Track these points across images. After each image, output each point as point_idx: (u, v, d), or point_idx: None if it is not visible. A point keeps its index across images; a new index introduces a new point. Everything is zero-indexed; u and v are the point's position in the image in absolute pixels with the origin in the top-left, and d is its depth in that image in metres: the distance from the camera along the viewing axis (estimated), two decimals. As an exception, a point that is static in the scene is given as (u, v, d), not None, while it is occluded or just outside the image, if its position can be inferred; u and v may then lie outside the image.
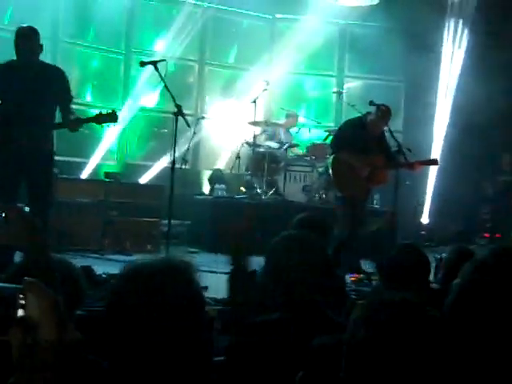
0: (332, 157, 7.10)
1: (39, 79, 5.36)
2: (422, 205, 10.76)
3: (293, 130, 10.24)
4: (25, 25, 5.47)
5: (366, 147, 6.88)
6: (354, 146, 6.83)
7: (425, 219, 11.04)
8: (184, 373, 1.50)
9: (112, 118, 5.37)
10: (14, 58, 5.44)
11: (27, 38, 5.30)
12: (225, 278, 6.17)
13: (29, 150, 5.25)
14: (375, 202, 9.80)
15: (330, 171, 7.17)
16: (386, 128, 7.01)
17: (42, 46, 5.42)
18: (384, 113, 6.92)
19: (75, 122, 5.43)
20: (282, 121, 10.20)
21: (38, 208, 5.23)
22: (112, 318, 1.52)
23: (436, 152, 11.05)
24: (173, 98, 5.64)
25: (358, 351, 1.43)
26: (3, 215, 1.93)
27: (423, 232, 10.48)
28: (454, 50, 11.18)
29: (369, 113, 6.99)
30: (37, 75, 5.36)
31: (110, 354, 1.52)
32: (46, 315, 1.10)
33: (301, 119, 10.37)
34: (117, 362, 1.51)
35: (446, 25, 11.13)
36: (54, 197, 5.75)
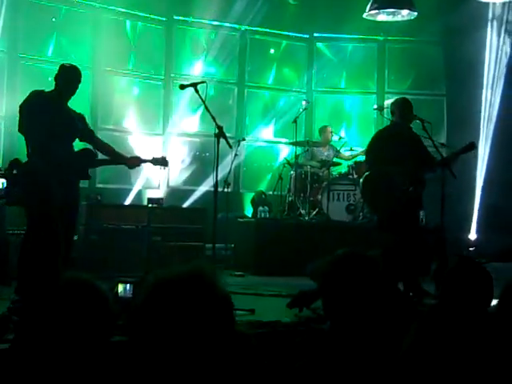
0: (365, 174, 6.80)
1: (71, 117, 5.50)
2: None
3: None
4: (69, 63, 5.62)
5: (401, 155, 6.48)
6: (387, 157, 6.46)
7: (472, 234, 10.78)
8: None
9: (164, 162, 5.84)
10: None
11: (78, 80, 5.43)
12: (271, 300, 6.08)
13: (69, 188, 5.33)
14: (421, 218, 9.62)
15: (362, 189, 6.90)
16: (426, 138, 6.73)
17: None
18: (403, 104, 6.70)
19: (134, 161, 5.81)
20: (319, 139, 10.14)
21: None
22: (135, 331, 1.49)
23: (482, 162, 10.83)
24: (213, 119, 5.62)
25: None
26: (14, 171, 2.02)
27: (472, 248, 10.22)
28: (497, 59, 10.98)
29: (392, 117, 6.75)
30: (72, 116, 5.50)
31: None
32: None
33: (337, 137, 10.20)
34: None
35: (488, 35, 10.93)
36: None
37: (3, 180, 6.12)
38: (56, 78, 5.43)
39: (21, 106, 5.32)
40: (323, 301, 2.42)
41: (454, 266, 2.86)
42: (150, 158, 5.85)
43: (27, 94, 5.38)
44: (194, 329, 1.47)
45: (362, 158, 9.75)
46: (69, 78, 5.40)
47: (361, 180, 6.90)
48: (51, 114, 5.27)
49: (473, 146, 6.71)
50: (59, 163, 5.19)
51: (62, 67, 5.48)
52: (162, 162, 5.82)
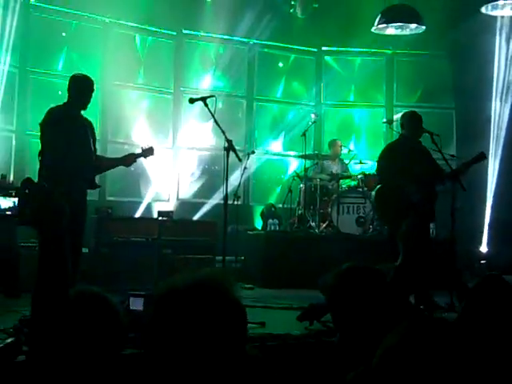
0: (377, 187, 6.78)
1: (87, 128, 5.58)
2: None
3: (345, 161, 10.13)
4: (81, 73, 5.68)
5: (411, 168, 6.48)
6: (398, 170, 6.47)
7: (483, 247, 10.72)
8: None
9: (151, 151, 6.00)
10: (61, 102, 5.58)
11: (91, 90, 5.47)
12: (281, 313, 6.06)
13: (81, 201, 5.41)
14: (431, 230, 9.57)
15: (375, 203, 6.88)
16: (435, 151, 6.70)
17: None
18: (412, 117, 6.72)
19: (131, 158, 5.93)
20: (328, 152, 10.14)
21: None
22: (149, 342, 1.52)
23: (492, 175, 10.79)
24: (223, 132, 5.66)
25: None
26: (26, 191, 2.06)
27: (483, 261, 10.15)
28: (505, 72, 10.96)
29: (402, 130, 6.78)
30: (85, 124, 5.56)
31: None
32: None
33: (346, 150, 10.18)
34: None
35: (497, 48, 10.92)
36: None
37: (15, 199, 6.18)
38: (68, 90, 5.48)
39: (41, 125, 5.38)
40: (332, 314, 2.42)
41: (480, 285, 2.54)
42: (141, 152, 6.02)
43: (44, 112, 5.45)
44: (206, 338, 1.47)
45: (371, 170, 9.74)
46: (80, 88, 5.45)
47: (373, 193, 6.89)
48: (68, 129, 5.33)
49: (483, 156, 6.71)
50: (74, 175, 5.23)
51: (73, 78, 5.53)
52: (150, 151, 6.00)
